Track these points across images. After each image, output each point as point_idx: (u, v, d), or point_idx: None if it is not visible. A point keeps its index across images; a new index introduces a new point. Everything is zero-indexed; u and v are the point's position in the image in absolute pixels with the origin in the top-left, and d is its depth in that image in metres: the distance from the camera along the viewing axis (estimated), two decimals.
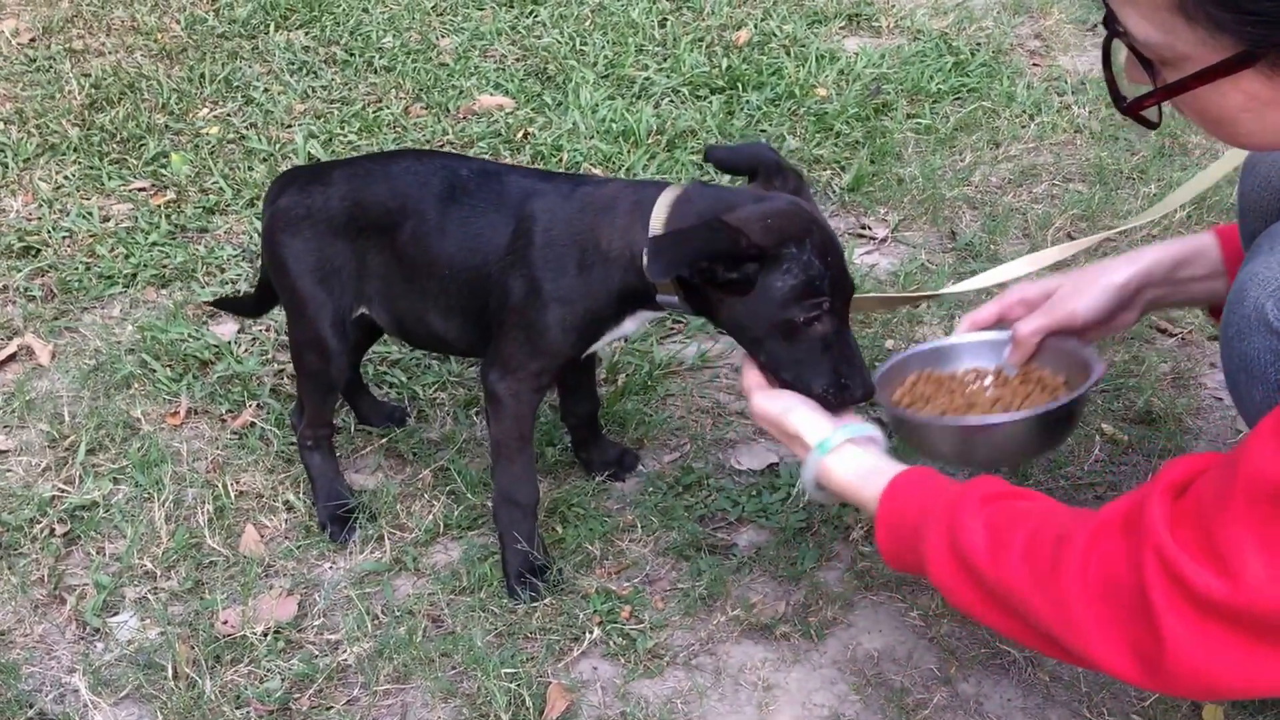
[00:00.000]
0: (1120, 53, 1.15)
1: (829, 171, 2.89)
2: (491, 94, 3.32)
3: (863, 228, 2.70)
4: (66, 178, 2.96)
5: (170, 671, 1.69)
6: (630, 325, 1.76)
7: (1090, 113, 3.10)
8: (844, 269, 1.58)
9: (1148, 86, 1.13)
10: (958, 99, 3.20)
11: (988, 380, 1.72)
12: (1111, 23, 1.09)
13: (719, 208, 1.58)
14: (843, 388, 1.57)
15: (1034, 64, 3.40)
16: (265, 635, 1.76)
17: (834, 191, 2.81)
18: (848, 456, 1.48)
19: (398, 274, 1.83)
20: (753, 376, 1.62)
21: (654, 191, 1.66)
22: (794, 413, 1.54)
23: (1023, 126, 3.05)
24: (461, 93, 3.32)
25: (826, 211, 2.77)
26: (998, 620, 1.28)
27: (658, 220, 1.63)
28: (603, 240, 1.67)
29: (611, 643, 1.75)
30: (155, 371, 2.29)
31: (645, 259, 1.56)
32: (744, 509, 1.98)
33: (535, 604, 1.80)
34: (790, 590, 1.84)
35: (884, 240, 2.65)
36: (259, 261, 2.06)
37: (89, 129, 3.17)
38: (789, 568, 1.87)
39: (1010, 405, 1.64)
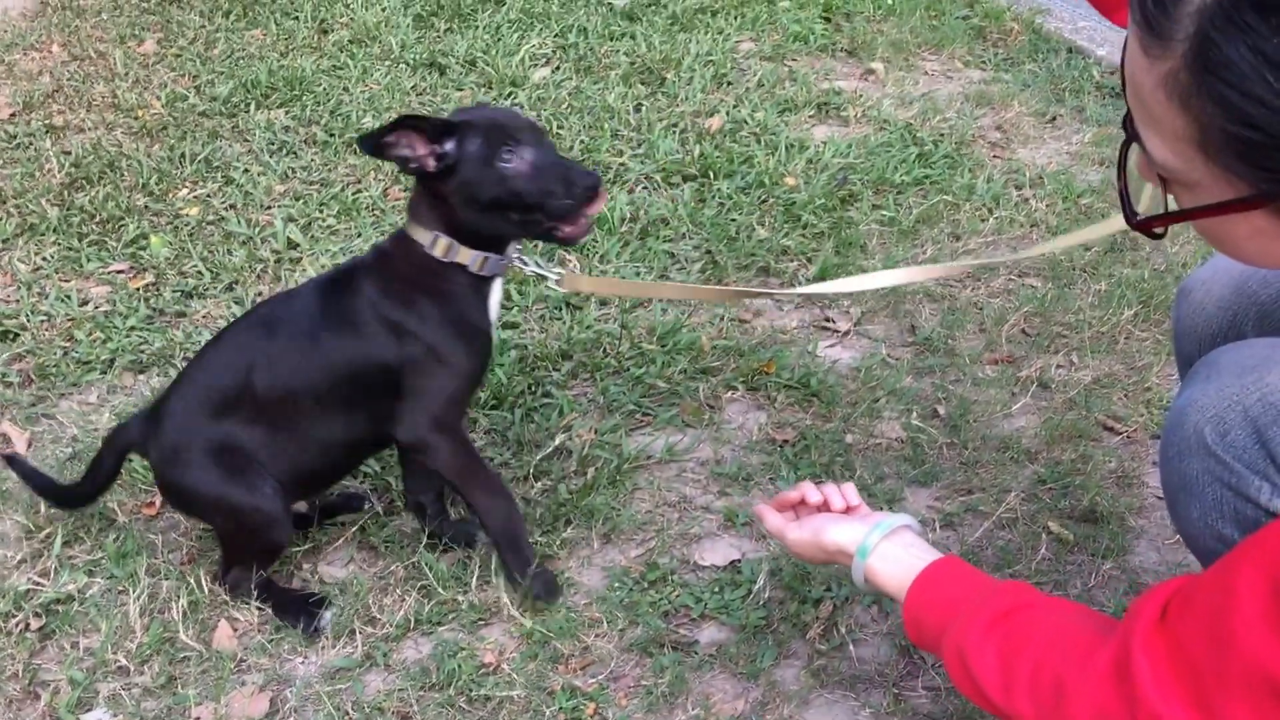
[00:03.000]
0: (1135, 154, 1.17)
1: (795, 263, 2.97)
2: None
3: (827, 320, 2.77)
4: (45, 259, 3.01)
5: None
6: (494, 302, 2.01)
7: (1047, 207, 3.20)
8: (515, 117, 1.91)
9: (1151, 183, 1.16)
10: (921, 190, 3.29)
11: None
12: (1130, 126, 1.11)
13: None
14: (569, 189, 1.86)
15: (994, 156, 3.50)
16: None
17: (800, 282, 2.89)
18: (885, 556, 1.56)
19: (275, 428, 1.98)
20: (773, 519, 1.73)
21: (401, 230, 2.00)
22: (827, 531, 1.63)
23: (982, 220, 3.14)
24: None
25: (792, 303, 2.85)
26: None
27: (415, 230, 1.94)
28: (414, 272, 1.95)
29: None
30: (131, 460, 2.33)
31: (435, 233, 1.91)
32: (706, 605, 2.03)
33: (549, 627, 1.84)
34: (749, 688, 1.89)
35: (846, 334, 2.73)
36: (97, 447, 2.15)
37: (68, 209, 3.22)
38: (748, 665, 1.92)
39: None
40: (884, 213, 3.17)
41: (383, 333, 1.94)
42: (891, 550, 1.56)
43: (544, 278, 2.12)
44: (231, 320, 2.21)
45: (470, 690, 1.87)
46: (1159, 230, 1.18)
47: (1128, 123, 1.12)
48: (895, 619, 2.00)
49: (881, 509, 2.20)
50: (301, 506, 2.18)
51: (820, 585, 2.06)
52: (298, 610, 2.00)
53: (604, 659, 1.94)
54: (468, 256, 1.93)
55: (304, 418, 1.98)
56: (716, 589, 2.06)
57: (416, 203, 1.95)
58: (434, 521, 2.18)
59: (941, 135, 3.57)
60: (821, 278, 2.88)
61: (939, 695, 1.88)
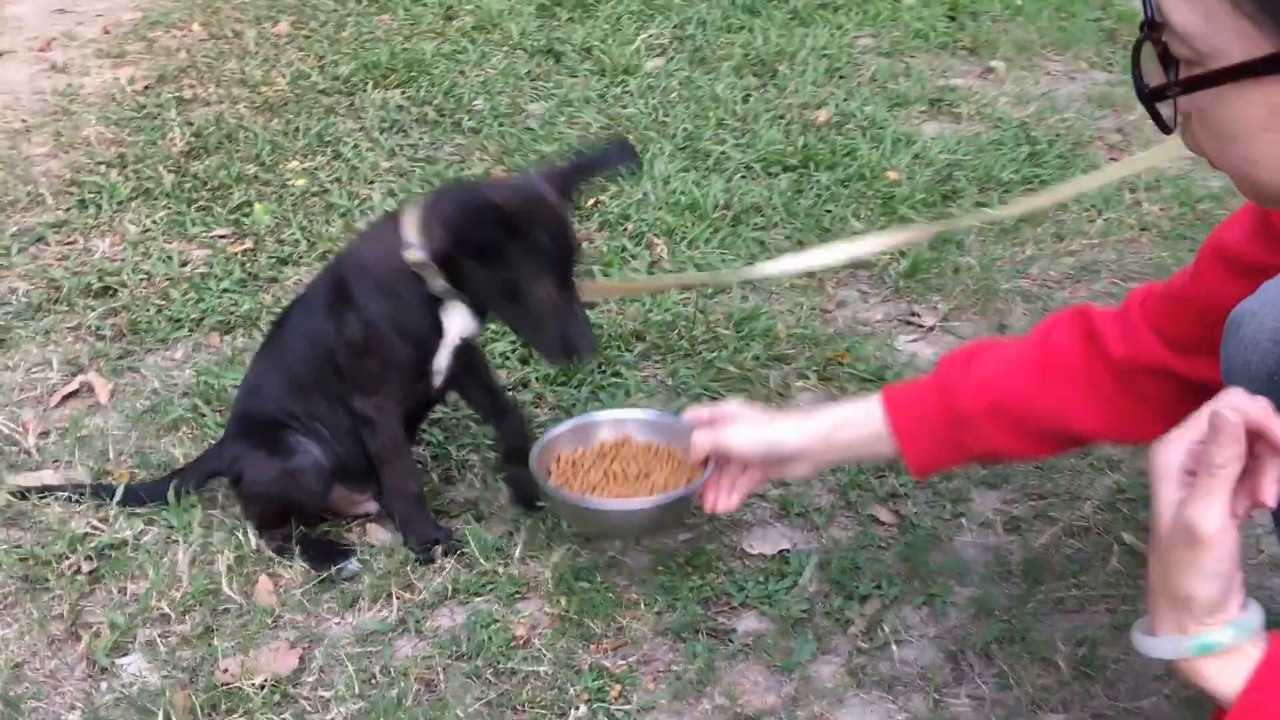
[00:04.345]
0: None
1: (888, 256, 2.88)
2: None
3: (912, 314, 2.69)
4: (154, 222, 3.10)
5: (162, 718, 1.75)
6: (454, 323, 1.97)
7: (1161, 210, 3.05)
8: (568, 242, 1.83)
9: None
10: (1028, 189, 3.17)
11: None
12: (1147, 24, 1.09)
13: (474, 191, 1.93)
14: (566, 346, 1.84)
15: (1111, 158, 3.36)
16: (262, 687, 1.81)
17: (889, 277, 2.81)
18: (1228, 663, 1.16)
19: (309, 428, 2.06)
20: (1171, 480, 1.20)
21: (404, 207, 1.96)
22: (1195, 576, 1.14)
23: (1089, 221, 3.01)
24: (544, 158, 3.39)
25: (879, 296, 2.77)
26: None
27: (409, 223, 1.89)
28: (373, 259, 1.95)
29: None
30: (205, 416, 2.38)
31: (423, 248, 1.86)
32: (748, 594, 1.97)
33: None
34: (782, 682, 1.83)
35: (931, 329, 2.64)
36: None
37: (183, 176, 3.31)
38: (784, 658, 1.86)
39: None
40: (986, 210, 3.05)
41: (334, 310, 1.97)
42: (1234, 664, 1.16)
43: None
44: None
45: (498, 662, 1.85)
46: (1167, 112, 1.14)
47: (1145, 25, 1.10)
48: (947, 622, 1.92)
49: (946, 507, 2.13)
50: (371, 506, 2.19)
51: (870, 581, 1.98)
52: (322, 557, 2.04)
53: (637, 641, 1.90)
54: (435, 279, 1.89)
55: (323, 406, 2.04)
56: (761, 578, 2.00)
57: (431, 213, 1.88)
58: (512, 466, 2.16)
59: (1057, 135, 3.43)
60: (913, 273, 2.79)
61: (983, 705, 1.79)
